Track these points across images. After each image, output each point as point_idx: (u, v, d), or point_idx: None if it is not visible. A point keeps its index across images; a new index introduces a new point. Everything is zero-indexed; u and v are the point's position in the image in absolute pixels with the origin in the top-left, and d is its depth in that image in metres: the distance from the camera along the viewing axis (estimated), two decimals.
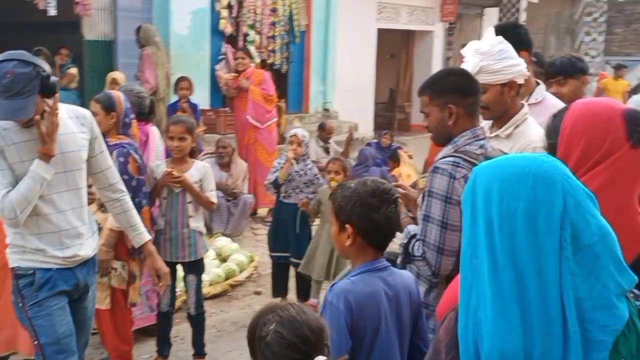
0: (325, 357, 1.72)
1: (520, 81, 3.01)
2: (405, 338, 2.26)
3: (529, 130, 2.95)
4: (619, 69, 14.32)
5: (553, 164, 1.35)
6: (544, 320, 1.27)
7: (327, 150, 9.41)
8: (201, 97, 9.46)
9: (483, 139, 2.61)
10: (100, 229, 3.54)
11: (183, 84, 8.10)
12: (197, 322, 4.57)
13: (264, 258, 6.52)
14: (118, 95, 4.03)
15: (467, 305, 1.35)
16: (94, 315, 3.32)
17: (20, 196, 2.79)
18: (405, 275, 2.32)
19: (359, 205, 2.17)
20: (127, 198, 3.32)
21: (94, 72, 9.21)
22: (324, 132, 9.51)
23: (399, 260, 2.61)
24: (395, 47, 16.21)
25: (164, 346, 4.54)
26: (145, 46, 8.27)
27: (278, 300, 5.57)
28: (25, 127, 2.84)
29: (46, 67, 2.78)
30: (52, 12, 8.54)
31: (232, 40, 10.83)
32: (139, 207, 3.73)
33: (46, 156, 2.83)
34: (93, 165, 3.12)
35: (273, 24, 11.42)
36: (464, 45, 3.10)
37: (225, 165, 7.79)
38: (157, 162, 4.49)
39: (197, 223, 4.43)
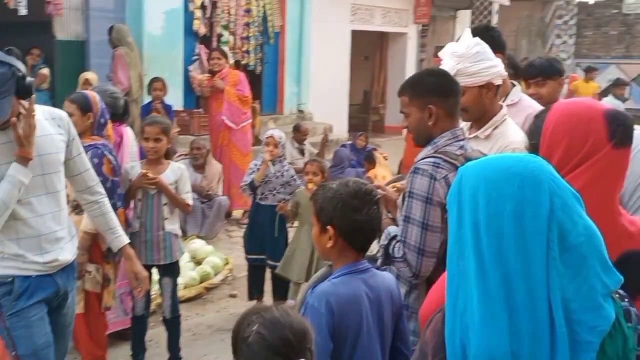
0: None
1: (498, 82, 3.02)
2: (387, 340, 2.24)
3: (508, 132, 2.96)
4: (589, 72, 14.50)
5: (540, 164, 1.34)
6: (531, 322, 1.26)
7: (302, 152, 9.40)
8: (175, 99, 9.38)
9: (463, 139, 2.61)
10: None
11: (157, 85, 8.04)
12: (173, 326, 4.51)
13: (240, 261, 6.47)
14: (94, 95, 3.97)
15: (455, 307, 1.34)
16: (73, 323, 3.23)
17: None
18: (387, 277, 2.31)
19: (341, 207, 2.15)
20: (106, 201, 3.26)
21: (66, 73, 9.08)
22: (299, 134, 9.50)
23: (379, 262, 2.59)
24: (369, 49, 16.25)
25: (138, 351, 4.48)
26: (118, 47, 8.19)
27: (254, 303, 5.55)
28: (0, 129, 2.76)
29: (22, 67, 2.70)
30: (23, 11, 8.42)
31: (206, 41, 10.76)
32: (113, 209, 3.66)
33: (24, 160, 2.75)
34: (71, 168, 3.05)
35: (247, 25, 11.37)
36: (437, 48, 3.12)
37: (199, 167, 7.73)
38: (132, 164, 4.43)
39: (172, 225, 4.39)
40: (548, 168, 1.34)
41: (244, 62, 11.27)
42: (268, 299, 5.64)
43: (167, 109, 8.08)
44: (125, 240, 3.33)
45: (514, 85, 3.74)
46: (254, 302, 5.56)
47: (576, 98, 1.99)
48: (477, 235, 1.31)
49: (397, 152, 10.11)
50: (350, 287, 2.16)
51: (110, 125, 4.15)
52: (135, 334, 4.49)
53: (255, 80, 10.62)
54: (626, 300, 1.40)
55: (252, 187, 5.48)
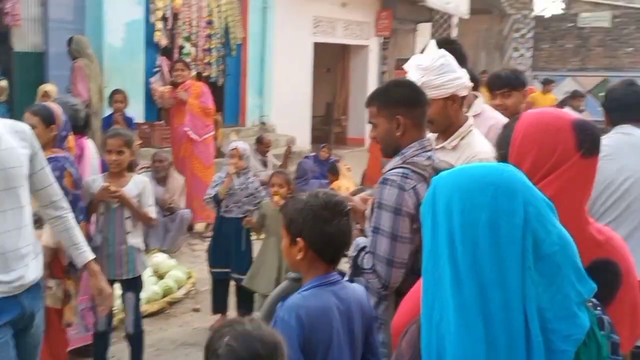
0: None
1: (463, 93, 3.05)
2: (357, 352, 2.23)
3: (475, 142, 2.98)
4: (546, 84, 14.77)
5: (513, 173, 1.34)
6: (507, 331, 1.26)
7: (265, 164, 9.37)
8: (136, 110, 9.28)
9: (431, 150, 2.63)
10: None
11: (118, 97, 7.95)
12: (136, 341, 4.44)
13: (202, 274, 6.41)
14: (56, 107, 3.90)
15: (430, 318, 1.33)
16: (41, 343, 3.12)
17: None
18: (357, 289, 2.29)
19: (311, 219, 2.13)
20: (70, 215, 3.17)
21: (24, 85, 8.90)
22: (262, 146, 9.47)
23: (347, 274, 2.58)
24: (331, 61, 16.31)
25: None
26: (77, 58, 8.08)
27: (217, 317, 5.50)
28: None
29: None
30: None
31: (167, 52, 10.67)
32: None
33: None
34: (34, 182, 2.94)
35: (209, 36, 11.31)
36: (398, 60, 3.13)
37: (161, 179, 7.64)
38: (94, 177, 4.36)
39: (135, 239, 4.33)
40: (521, 177, 1.34)
41: (205, 74, 11.20)
42: (232, 312, 5.59)
43: (128, 121, 8.00)
44: (90, 255, 3.24)
45: (476, 97, 3.78)
46: (218, 316, 5.52)
47: (542, 108, 2.00)
48: (452, 245, 1.30)
49: (360, 164, 10.16)
50: (320, 299, 2.14)
51: (71, 137, 4.08)
52: (96, 350, 4.39)
53: (217, 91, 10.56)
54: (599, 308, 1.41)
55: (216, 200, 5.44)
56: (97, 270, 3.28)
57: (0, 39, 9.14)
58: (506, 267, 1.27)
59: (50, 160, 3.66)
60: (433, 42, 3.27)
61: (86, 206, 4.11)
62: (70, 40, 8.17)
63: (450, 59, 3.05)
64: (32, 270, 2.88)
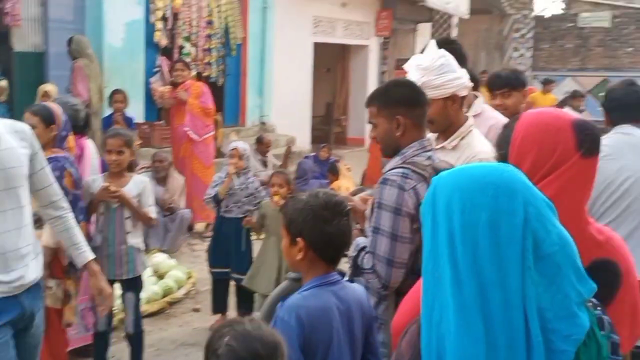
0: None
1: (463, 93, 3.05)
2: (357, 353, 2.23)
3: (475, 142, 2.98)
4: (546, 84, 14.75)
5: (513, 173, 1.34)
6: (507, 332, 1.26)
7: (265, 164, 9.37)
8: (136, 110, 9.27)
9: (431, 150, 2.62)
10: None
11: (118, 97, 7.94)
12: (136, 341, 4.44)
13: (202, 274, 6.41)
14: (56, 107, 3.90)
15: (430, 318, 1.33)
16: (41, 343, 3.11)
17: None
18: (357, 289, 2.29)
19: (311, 219, 2.13)
20: (70, 215, 3.16)
21: (24, 85, 8.89)
22: (262, 146, 9.47)
23: (347, 273, 2.58)
24: (331, 61, 16.30)
25: None
26: (77, 58, 8.08)
27: (217, 317, 5.50)
28: None
29: None
30: None
31: (167, 52, 10.66)
32: None
33: None
34: (34, 182, 2.93)
35: (209, 36, 11.31)
36: (398, 60, 3.12)
37: (161, 179, 7.64)
38: (94, 177, 4.36)
39: (135, 239, 4.33)
40: (521, 177, 1.34)
41: (205, 74, 11.19)
42: (232, 312, 5.59)
43: (128, 121, 7.99)
44: (90, 255, 3.23)
45: (476, 97, 3.78)
46: (218, 316, 5.52)
47: (542, 108, 2.00)
48: (452, 245, 1.30)
49: (360, 164, 10.16)
50: (320, 299, 2.14)
51: (71, 137, 4.08)
52: (96, 350, 4.39)
53: (217, 91, 10.56)
54: (599, 308, 1.41)
55: (216, 200, 5.45)
56: (97, 270, 3.27)
57: (0, 39, 9.15)
58: (506, 267, 1.27)
59: (50, 160, 3.66)
60: (433, 42, 3.27)
61: (86, 206, 4.11)
62: (70, 40, 8.16)
63: (450, 59, 3.05)
64: (32, 270, 2.88)
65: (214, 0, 11.27)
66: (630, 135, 3.28)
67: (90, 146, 4.73)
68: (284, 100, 12.92)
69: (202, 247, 7.67)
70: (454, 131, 3.01)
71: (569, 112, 2.04)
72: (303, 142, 13.49)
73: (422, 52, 3.37)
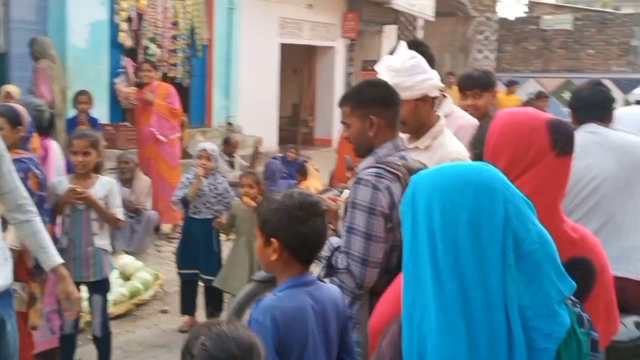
0: None
1: (434, 94, 3.06)
2: (333, 353, 2.21)
3: (447, 142, 2.99)
4: (510, 85, 14.94)
5: (492, 172, 1.34)
6: (488, 331, 1.26)
7: (232, 165, 9.31)
8: (100, 112, 9.13)
9: (404, 149, 2.63)
10: None
11: (82, 98, 7.82)
12: (103, 343, 4.38)
13: (170, 275, 6.36)
14: (22, 108, 3.83)
15: (411, 318, 1.32)
16: (17, 353, 3.00)
17: None
18: (332, 289, 2.28)
19: (286, 219, 2.11)
20: (37, 219, 3.08)
21: None
22: (229, 147, 9.41)
23: (321, 274, 2.57)
24: (297, 62, 16.28)
25: None
26: (39, 59, 7.92)
27: (186, 318, 5.46)
28: None
29: None
30: None
31: (131, 53, 10.54)
32: None
33: None
34: (1, 186, 2.88)
35: (174, 37, 11.20)
36: (365, 61, 3.12)
37: (127, 181, 7.55)
38: (59, 178, 4.29)
39: (102, 241, 4.26)
40: (501, 176, 1.35)
41: (170, 75, 11.09)
42: (200, 313, 5.55)
43: (93, 122, 7.87)
44: (58, 259, 3.14)
45: (445, 97, 3.79)
46: (186, 318, 5.48)
47: (516, 108, 2.01)
48: (433, 244, 1.30)
49: (327, 164, 10.15)
50: (295, 300, 2.12)
51: (35, 139, 4.00)
52: (63, 353, 4.33)
53: (182, 92, 10.46)
54: (578, 305, 1.41)
55: (184, 202, 5.41)
56: (66, 274, 3.19)
57: None
58: (487, 266, 1.27)
59: (14, 161, 3.58)
60: (403, 44, 3.28)
61: (52, 208, 4.03)
62: (32, 41, 8.00)
63: (420, 60, 3.07)
64: (1, 276, 2.80)
65: (179, 1, 11.17)
66: (596, 134, 3.32)
67: (54, 147, 4.65)
68: (250, 101, 12.87)
69: (168, 248, 7.61)
70: (426, 131, 3.03)
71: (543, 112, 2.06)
72: (270, 142, 13.45)
73: (390, 53, 3.37)
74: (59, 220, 4.23)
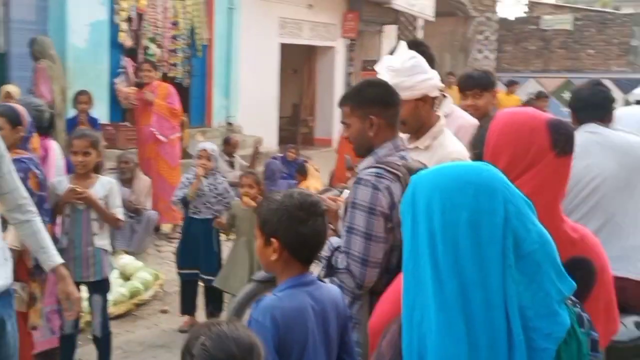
0: None
1: (434, 94, 3.06)
2: (333, 353, 2.21)
3: (447, 142, 2.99)
4: (510, 85, 14.94)
5: (492, 172, 1.34)
6: (489, 330, 1.26)
7: (232, 165, 9.31)
8: (100, 112, 9.13)
9: (404, 149, 2.63)
10: None
11: (82, 98, 7.82)
12: (103, 343, 4.38)
13: (170, 275, 6.36)
14: (22, 108, 3.83)
15: (411, 318, 1.32)
16: (17, 353, 3.00)
17: None
18: (332, 289, 2.28)
19: (286, 219, 2.11)
20: (37, 219, 3.08)
21: None
22: (229, 147, 9.41)
23: (321, 274, 2.57)
24: (297, 62, 16.28)
25: None
26: (39, 59, 7.92)
27: (186, 318, 5.46)
28: None
29: None
30: None
31: (131, 53, 10.53)
32: None
33: None
34: (1, 186, 2.88)
35: (174, 37, 11.20)
36: (365, 61, 3.12)
37: (127, 181, 7.55)
38: (59, 178, 4.29)
39: (102, 241, 4.26)
40: (501, 176, 1.34)
41: (170, 75, 11.09)
42: (200, 313, 5.55)
43: (93, 122, 7.87)
44: (59, 260, 3.14)
45: (445, 97, 3.79)
46: (186, 318, 5.49)
47: (516, 108, 2.01)
48: (433, 244, 1.30)
49: (327, 164, 10.16)
50: (295, 300, 2.12)
51: (35, 138, 4.01)
52: (63, 353, 4.33)
53: (182, 92, 10.46)
54: (578, 305, 1.41)
55: (184, 202, 5.41)
56: (66, 274, 3.19)
57: None
58: (487, 266, 1.26)
59: (14, 161, 3.58)
60: (403, 44, 3.28)
61: (52, 208, 4.03)
62: (32, 41, 8.01)
63: (420, 60, 3.07)
64: (1, 276, 2.80)
65: (179, 1, 11.17)
66: (596, 134, 3.32)
67: (54, 147, 4.66)
68: (250, 101, 12.87)
69: (168, 248, 7.61)
70: (426, 131, 3.03)
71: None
72: (270, 142, 13.45)
73: (390, 53, 3.37)
74: (59, 220, 4.23)
